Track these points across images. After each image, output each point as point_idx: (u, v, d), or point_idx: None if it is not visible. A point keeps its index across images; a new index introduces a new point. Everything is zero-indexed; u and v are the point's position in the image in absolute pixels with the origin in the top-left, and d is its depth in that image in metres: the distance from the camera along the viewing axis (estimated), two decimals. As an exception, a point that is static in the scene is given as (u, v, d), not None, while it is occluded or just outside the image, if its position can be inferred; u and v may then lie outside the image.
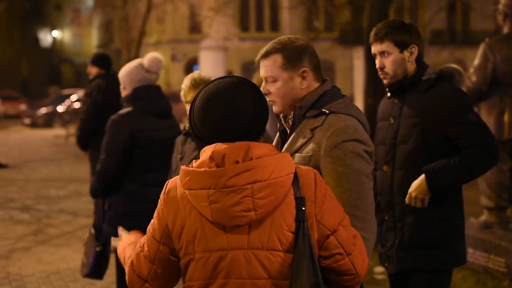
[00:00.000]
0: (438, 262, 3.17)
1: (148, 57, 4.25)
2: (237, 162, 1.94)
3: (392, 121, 3.22)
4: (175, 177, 2.08)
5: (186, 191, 1.99)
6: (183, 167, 2.02)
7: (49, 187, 11.32)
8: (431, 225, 3.16)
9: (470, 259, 5.84)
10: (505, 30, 5.84)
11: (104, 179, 4.11)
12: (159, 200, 2.08)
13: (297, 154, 2.41)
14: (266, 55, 2.44)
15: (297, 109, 2.46)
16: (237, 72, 36.60)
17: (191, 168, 1.99)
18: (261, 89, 2.44)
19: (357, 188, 2.33)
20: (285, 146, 2.48)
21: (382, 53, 3.17)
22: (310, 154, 2.38)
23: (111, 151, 4.09)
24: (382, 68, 3.19)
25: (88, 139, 6.95)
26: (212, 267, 1.97)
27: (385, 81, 3.25)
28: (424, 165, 3.11)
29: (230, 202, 1.92)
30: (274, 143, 2.61)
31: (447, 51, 36.62)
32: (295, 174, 2.01)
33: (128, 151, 4.09)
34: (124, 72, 4.24)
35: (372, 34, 3.22)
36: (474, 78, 5.77)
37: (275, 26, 42.47)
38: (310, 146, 2.39)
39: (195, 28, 36.42)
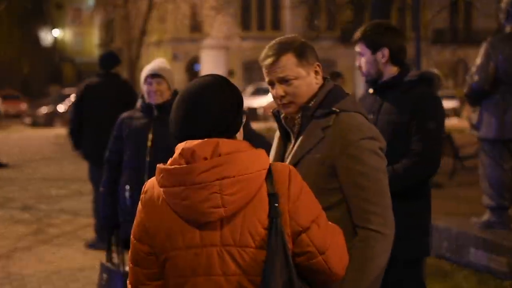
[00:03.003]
0: (404, 252, 3.23)
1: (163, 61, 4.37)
2: (206, 159, 1.94)
3: (371, 117, 3.36)
4: (153, 177, 2.08)
5: (162, 189, 2.01)
6: (158, 165, 2.04)
7: (49, 187, 11.31)
8: (397, 218, 3.23)
9: (472, 259, 5.83)
10: (508, 29, 5.82)
11: None
12: (139, 201, 2.10)
13: (309, 156, 2.38)
14: (277, 58, 2.41)
15: (304, 110, 2.44)
16: (239, 71, 36.63)
17: (163, 166, 2.00)
18: (274, 94, 2.44)
19: (376, 186, 2.36)
20: (295, 148, 2.45)
21: (358, 53, 3.40)
22: (324, 154, 2.36)
23: None
24: (359, 67, 3.42)
25: (76, 139, 6.93)
26: (186, 264, 1.98)
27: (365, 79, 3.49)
28: (396, 160, 3.24)
29: (198, 198, 1.93)
30: (274, 147, 2.60)
31: (449, 50, 36.60)
32: (269, 170, 2.01)
33: None
34: (171, 74, 4.31)
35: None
36: (476, 77, 5.75)
37: (276, 25, 42.49)
38: (323, 146, 2.37)
39: (196, 27, 36.36)
